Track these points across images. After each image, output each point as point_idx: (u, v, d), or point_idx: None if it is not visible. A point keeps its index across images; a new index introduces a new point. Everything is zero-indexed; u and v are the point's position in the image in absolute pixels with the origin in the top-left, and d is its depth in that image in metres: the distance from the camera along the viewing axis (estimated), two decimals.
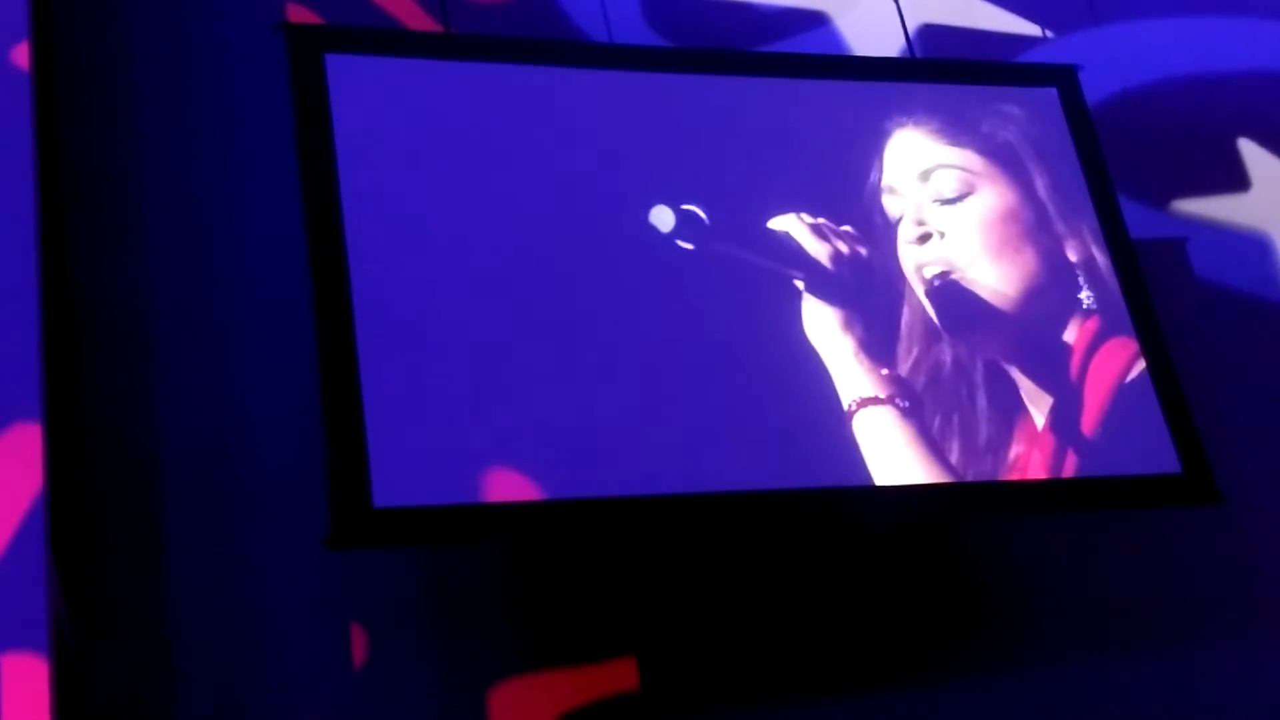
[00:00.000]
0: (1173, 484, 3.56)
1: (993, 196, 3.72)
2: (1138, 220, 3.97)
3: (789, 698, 3.38)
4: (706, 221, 3.40)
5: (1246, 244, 4.29)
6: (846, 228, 3.54)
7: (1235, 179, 4.38)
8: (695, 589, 3.42)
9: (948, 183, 3.69)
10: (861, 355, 3.43)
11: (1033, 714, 3.52)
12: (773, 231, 3.49)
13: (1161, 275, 4.00)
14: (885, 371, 3.43)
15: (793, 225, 3.50)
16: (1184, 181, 4.32)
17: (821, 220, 3.52)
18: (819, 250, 3.49)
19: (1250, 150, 4.42)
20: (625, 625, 3.36)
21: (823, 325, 3.44)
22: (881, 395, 3.40)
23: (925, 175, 3.70)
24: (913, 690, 3.45)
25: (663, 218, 3.39)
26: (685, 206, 3.41)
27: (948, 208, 3.66)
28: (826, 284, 3.47)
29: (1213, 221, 4.30)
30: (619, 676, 3.31)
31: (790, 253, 3.48)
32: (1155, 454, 3.57)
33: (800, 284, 3.46)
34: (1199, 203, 4.32)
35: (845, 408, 3.37)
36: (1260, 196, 4.36)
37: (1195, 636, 3.72)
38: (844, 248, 3.51)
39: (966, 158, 3.75)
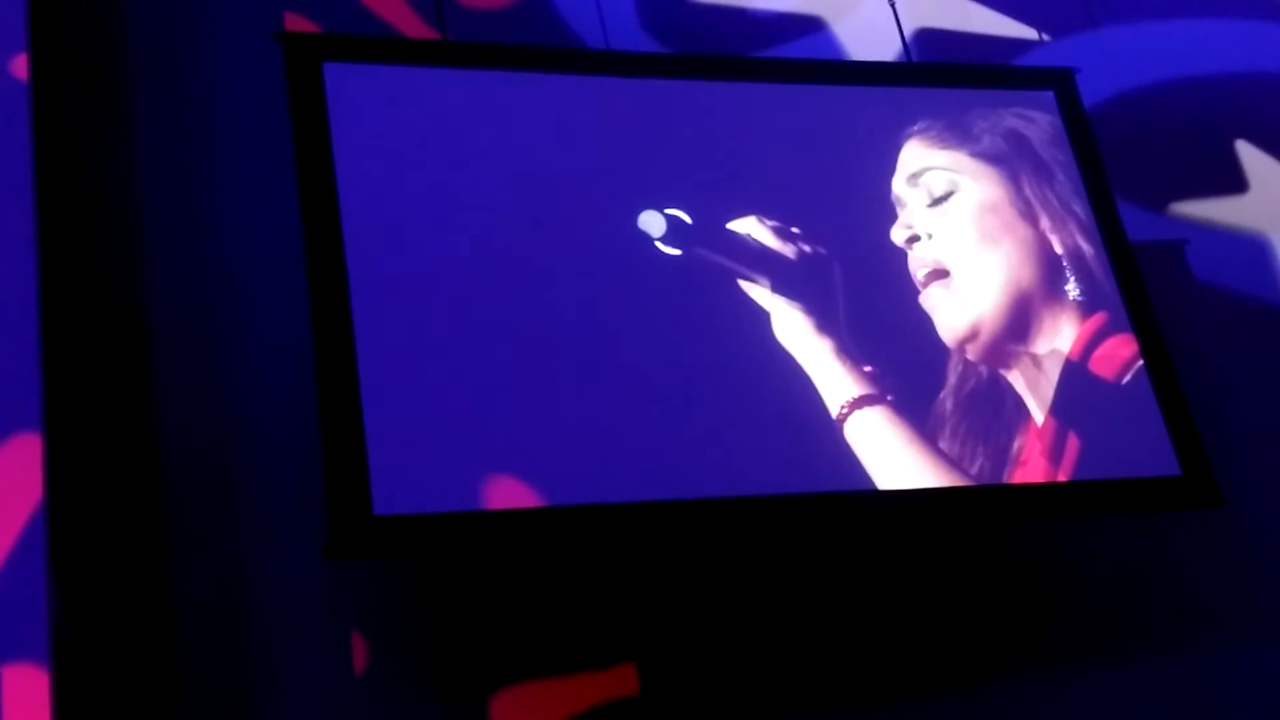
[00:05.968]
0: (1173, 486, 3.56)
1: (979, 195, 3.71)
2: (1136, 222, 3.97)
3: (788, 705, 3.38)
4: (690, 225, 3.40)
5: (1245, 246, 4.29)
6: (795, 229, 3.52)
7: (1233, 181, 4.38)
8: (695, 595, 3.42)
9: (936, 184, 3.70)
10: (842, 355, 3.42)
11: (1038, 717, 3.52)
12: (748, 238, 3.47)
13: (1160, 277, 3.99)
14: (868, 369, 3.42)
15: (756, 229, 3.48)
16: (1182, 184, 4.32)
17: (779, 224, 3.51)
18: (785, 252, 3.47)
19: (1248, 152, 4.42)
20: (626, 632, 3.36)
21: (797, 329, 3.43)
22: (872, 393, 3.39)
23: (915, 179, 3.71)
24: (913, 697, 3.45)
25: (652, 223, 3.39)
26: (670, 212, 3.41)
27: (935, 209, 3.67)
28: (796, 286, 3.46)
29: (1211, 223, 4.30)
30: (620, 683, 3.31)
31: (757, 257, 3.46)
32: (1155, 456, 3.57)
33: (766, 288, 3.44)
34: (1197, 205, 4.31)
35: (836, 412, 3.36)
36: (1258, 198, 4.36)
37: (1197, 638, 3.72)
38: (812, 249, 3.50)
39: (955, 159, 3.76)
